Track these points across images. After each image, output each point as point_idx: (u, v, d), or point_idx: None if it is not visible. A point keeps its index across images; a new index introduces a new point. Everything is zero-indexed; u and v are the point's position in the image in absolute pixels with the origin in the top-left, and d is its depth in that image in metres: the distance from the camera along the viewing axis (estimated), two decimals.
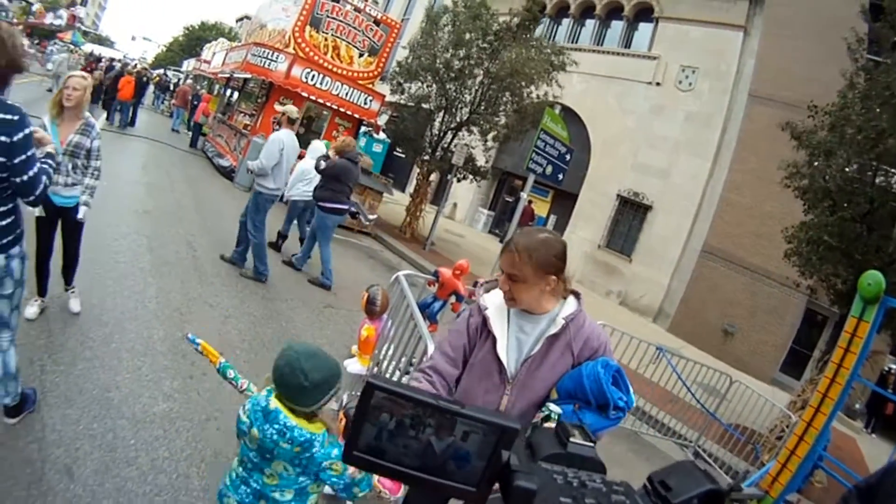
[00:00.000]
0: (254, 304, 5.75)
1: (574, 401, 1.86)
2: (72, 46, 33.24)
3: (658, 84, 16.96)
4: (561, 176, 10.33)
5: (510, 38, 12.40)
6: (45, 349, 3.60)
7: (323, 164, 7.05)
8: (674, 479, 0.69)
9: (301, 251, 7.64)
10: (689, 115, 16.13)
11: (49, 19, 34.44)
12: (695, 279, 15.20)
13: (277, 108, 6.95)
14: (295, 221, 8.33)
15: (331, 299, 6.90)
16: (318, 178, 7.28)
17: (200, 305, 5.25)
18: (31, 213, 3.11)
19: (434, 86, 13.14)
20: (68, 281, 4.24)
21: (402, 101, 14.18)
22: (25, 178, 2.44)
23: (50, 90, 15.48)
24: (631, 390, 1.89)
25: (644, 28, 18.18)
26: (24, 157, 2.40)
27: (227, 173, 13.07)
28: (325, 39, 13.51)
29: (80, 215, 3.98)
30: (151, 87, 26.86)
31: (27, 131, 2.41)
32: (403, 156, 18.78)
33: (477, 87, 12.87)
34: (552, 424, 0.79)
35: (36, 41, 33.61)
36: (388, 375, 3.98)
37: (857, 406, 13.24)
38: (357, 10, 13.84)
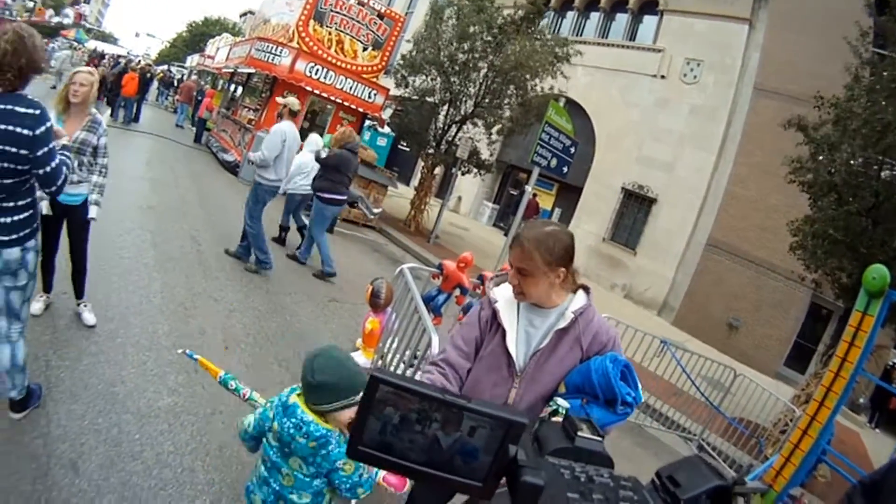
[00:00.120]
0: (258, 299, 5.76)
1: (582, 395, 1.86)
2: (75, 43, 33.25)
3: (663, 77, 16.88)
4: (565, 169, 10.31)
5: (514, 31, 12.35)
6: (49, 345, 3.61)
7: (323, 154, 7.09)
8: (682, 474, 0.68)
9: (303, 244, 7.65)
10: (693, 109, 16.05)
11: (49, 16, 34.46)
12: (699, 272, 15.17)
13: (279, 100, 6.95)
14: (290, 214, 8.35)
15: (335, 293, 6.90)
16: (315, 171, 7.31)
17: (205, 300, 5.26)
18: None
19: (438, 79, 13.10)
20: (79, 293, 4.10)
21: (406, 95, 14.16)
22: (48, 169, 2.58)
23: (53, 87, 15.49)
24: (639, 386, 1.89)
25: (649, 21, 18.07)
26: (46, 149, 2.53)
27: (232, 168, 13.08)
28: (329, 33, 13.48)
29: (91, 214, 3.91)
30: (155, 84, 26.84)
31: (48, 125, 2.53)
32: (408, 149, 18.78)
33: (481, 81, 12.83)
34: (560, 419, 0.78)
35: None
36: (392, 369, 3.99)
37: (861, 400, 13.23)
38: (361, 3, 13.82)
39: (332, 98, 13.47)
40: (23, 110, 2.44)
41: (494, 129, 13.30)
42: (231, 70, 18.03)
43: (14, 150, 2.43)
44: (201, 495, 2.80)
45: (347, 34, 13.79)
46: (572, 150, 10.34)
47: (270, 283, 6.38)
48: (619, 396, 1.79)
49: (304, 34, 13.03)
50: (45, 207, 3.66)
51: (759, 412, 7.31)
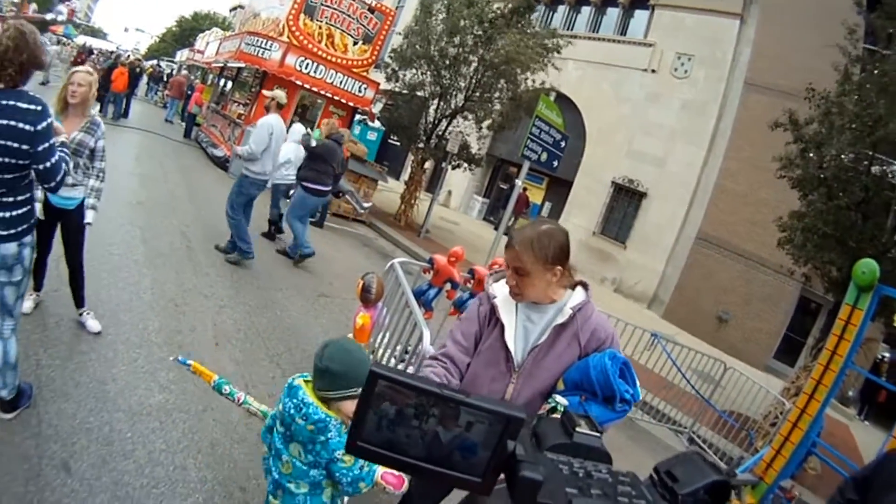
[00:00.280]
0: (248, 294, 5.74)
1: (580, 392, 1.86)
2: (63, 39, 32.92)
3: (654, 71, 16.93)
4: (556, 163, 10.33)
5: (505, 24, 12.32)
6: (40, 343, 3.58)
7: (314, 143, 7.10)
8: (680, 469, 0.68)
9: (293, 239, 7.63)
10: (684, 103, 16.11)
11: (32, 10, 34.09)
12: (689, 266, 15.25)
13: (266, 93, 6.95)
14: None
15: (325, 288, 6.89)
16: (298, 162, 7.32)
17: (195, 296, 5.23)
18: None
19: (428, 73, 13.07)
20: (79, 303, 3.98)
21: (396, 89, 14.11)
22: (48, 164, 2.61)
23: (43, 83, 15.31)
24: (637, 383, 1.89)
25: (640, 15, 18.11)
26: (46, 145, 2.56)
27: (221, 163, 13.00)
28: (320, 27, 13.40)
29: (87, 219, 3.82)
30: (145, 79, 26.60)
31: (49, 120, 2.56)
32: (398, 144, 18.75)
33: (472, 75, 12.81)
34: (558, 416, 0.78)
35: None
36: (383, 363, 3.98)
37: (851, 393, 13.36)
38: None
39: (323, 92, 13.42)
40: (24, 106, 2.46)
41: (485, 124, 13.28)
42: (221, 65, 17.90)
43: (15, 145, 2.45)
44: (193, 493, 2.79)
45: (338, 28, 13.71)
46: (563, 144, 10.35)
47: (260, 278, 6.35)
48: (617, 394, 1.80)
49: (294, 28, 12.95)
50: (37, 211, 3.60)
51: (750, 405, 7.37)
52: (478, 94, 12.94)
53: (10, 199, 2.58)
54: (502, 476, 0.69)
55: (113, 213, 6.70)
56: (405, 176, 16.82)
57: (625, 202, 16.98)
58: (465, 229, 16.84)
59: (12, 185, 2.57)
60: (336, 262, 8.31)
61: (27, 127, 2.45)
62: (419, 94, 13.64)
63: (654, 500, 0.65)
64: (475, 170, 15.80)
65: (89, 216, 3.84)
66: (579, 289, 2.03)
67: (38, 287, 3.97)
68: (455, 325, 2.16)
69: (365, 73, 14.29)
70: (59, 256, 3.96)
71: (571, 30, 19.25)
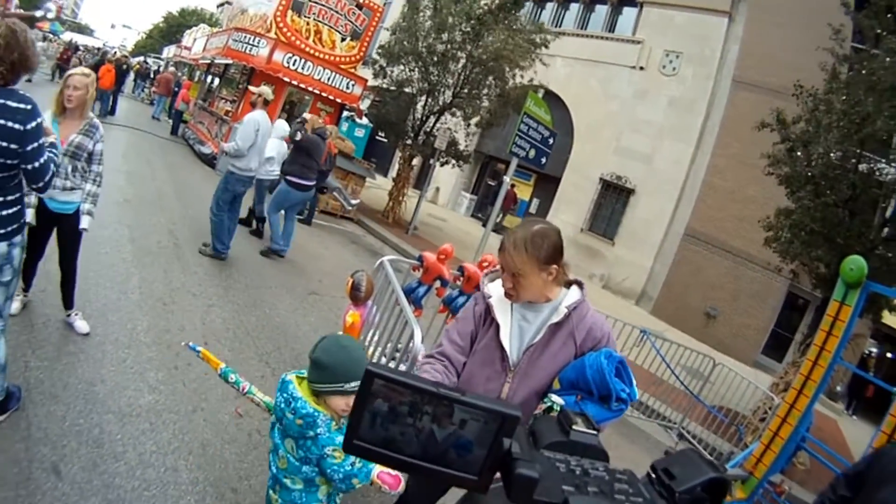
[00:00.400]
0: (237, 293, 5.71)
1: (576, 391, 1.86)
2: (50, 35, 32.55)
3: (642, 69, 16.97)
4: (544, 160, 10.33)
5: (492, 21, 12.31)
6: (28, 344, 3.53)
7: (300, 136, 7.10)
8: (677, 467, 0.68)
9: (281, 238, 7.59)
10: (672, 100, 16.17)
11: (14, 7, 33.69)
12: (677, 262, 15.34)
13: (253, 89, 6.93)
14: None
15: (314, 286, 6.87)
16: (281, 158, 7.33)
17: (183, 295, 5.19)
18: None
19: (416, 69, 13.05)
20: (69, 304, 3.92)
21: (384, 86, 14.08)
22: (37, 164, 2.58)
23: (28, 80, 15.12)
24: (634, 382, 1.89)
25: (628, 12, 18.13)
26: (35, 144, 2.54)
27: (209, 160, 12.92)
28: (308, 24, 13.34)
29: (83, 225, 3.73)
30: (132, 75, 26.36)
31: (39, 120, 2.54)
32: (386, 140, 18.70)
33: (460, 71, 12.80)
34: (555, 415, 0.78)
35: None
36: (374, 362, 3.97)
37: (839, 388, 13.52)
38: None
39: (310, 89, 13.37)
40: (14, 105, 2.44)
41: (473, 121, 13.28)
42: (208, 61, 17.79)
43: (4, 144, 2.43)
44: (185, 495, 2.77)
45: (326, 24, 13.66)
46: (551, 140, 10.35)
47: (249, 276, 6.32)
48: (613, 393, 1.80)
49: (282, 24, 12.88)
50: (29, 215, 3.43)
51: (739, 400, 7.42)
52: (466, 90, 12.94)
53: (0, 199, 2.56)
54: (499, 475, 0.69)
55: (100, 211, 6.59)
56: (393, 173, 16.78)
57: (613, 199, 17.02)
58: (454, 226, 16.84)
59: (1, 185, 2.55)
60: (324, 259, 8.28)
61: (17, 126, 2.43)
62: (407, 90, 13.62)
63: (651, 498, 0.65)
64: (463, 166, 15.81)
65: (85, 222, 3.74)
66: (574, 287, 2.03)
67: (27, 288, 3.91)
68: (451, 325, 2.16)
69: (353, 70, 14.25)
70: (47, 255, 3.90)
71: (560, 26, 19.24)
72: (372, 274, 4.60)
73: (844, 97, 7.12)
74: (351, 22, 14.02)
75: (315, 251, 8.28)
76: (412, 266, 5.30)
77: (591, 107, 17.79)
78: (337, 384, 1.84)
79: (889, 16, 7.09)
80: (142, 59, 36.83)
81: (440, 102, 13.28)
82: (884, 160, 7.28)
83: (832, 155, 7.20)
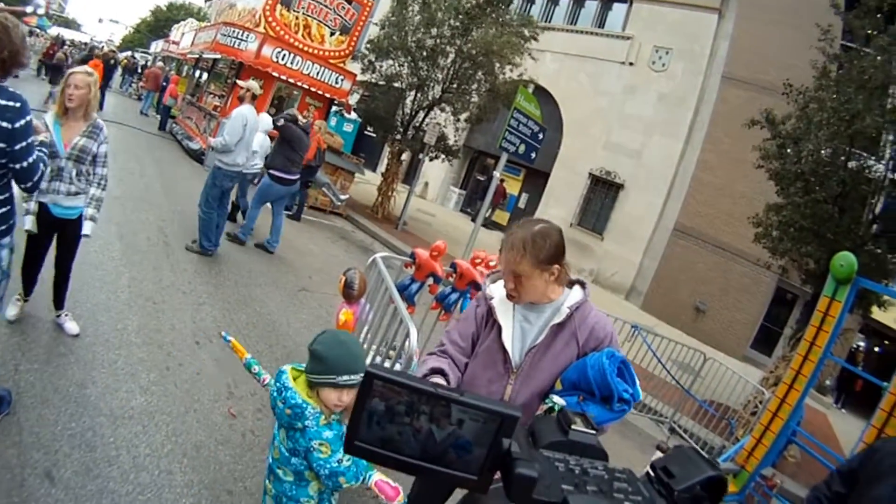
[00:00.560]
0: (227, 290, 5.68)
1: (578, 392, 1.85)
2: (37, 30, 32.16)
3: (631, 64, 17.01)
4: (533, 155, 10.34)
5: (482, 15, 12.29)
6: (17, 347, 3.46)
7: (282, 122, 7.09)
8: (676, 465, 0.69)
9: (270, 234, 7.56)
10: (661, 96, 16.23)
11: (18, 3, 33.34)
12: (667, 257, 15.42)
13: (241, 84, 6.87)
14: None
15: (305, 282, 6.85)
16: (264, 151, 7.41)
17: (174, 293, 5.16)
18: (18, 228, 2.90)
19: (406, 64, 13.01)
20: (59, 304, 3.85)
21: (373, 80, 14.02)
22: (25, 164, 2.53)
23: (15, 76, 14.95)
24: (637, 382, 1.87)
25: (618, 8, 18.17)
26: (24, 143, 2.49)
27: (197, 156, 12.82)
28: (297, 18, 13.26)
29: (86, 231, 3.65)
30: (119, 70, 26.10)
31: (28, 118, 2.49)
32: (374, 135, 18.62)
33: (449, 66, 12.77)
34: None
35: None
36: (367, 360, 3.97)
37: (828, 382, 13.67)
38: None
39: (299, 84, 13.29)
40: (3, 102, 2.39)
41: (462, 117, 13.27)
42: (196, 56, 17.62)
43: None
44: (181, 498, 2.75)
45: (315, 19, 13.58)
46: (540, 135, 10.36)
47: (238, 273, 6.29)
48: (615, 393, 1.78)
49: (270, 19, 12.79)
50: (29, 222, 3.40)
51: (729, 394, 7.48)
52: (455, 85, 12.92)
53: None
54: (499, 475, 0.69)
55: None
56: (382, 168, 16.74)
57: (602, 194, 17.08)
58: (443, 221, 16.88)
59: None
60: (314, 255, 8.25)
61: (5, 124, 2.38)
62: (396, 85, 13.57)
63: (650, 496, 0.66)
64: (452, 161, 15.81)
65: (87, 227, 3.65)
66: (577, 287, 2.02)
67: (27, 295, 3.77)
68: (452, 325, 2.15)
69: (342, 65, 14.18)
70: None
71: (549, 22, 19.28)
72: (364, 271, 4.59)
73: (835, 94, 7.17)
74: (340, 16, 13.94)
75: (304, 247, 8.25)
76: (405, 263, 5.30)
77: (581, 102, 17.82)
78: (330, 376, 1.86)
79: (878, 15, 7.15)
80: (129, 53, 36.47)
81: (429, 97, 13.25)
82: (873, 157, 7.35)
83: (822, 152, 7.25)
